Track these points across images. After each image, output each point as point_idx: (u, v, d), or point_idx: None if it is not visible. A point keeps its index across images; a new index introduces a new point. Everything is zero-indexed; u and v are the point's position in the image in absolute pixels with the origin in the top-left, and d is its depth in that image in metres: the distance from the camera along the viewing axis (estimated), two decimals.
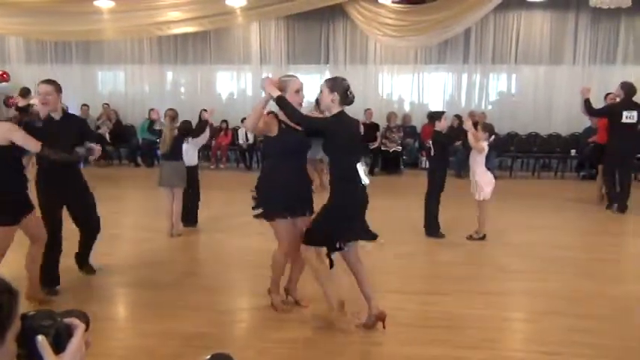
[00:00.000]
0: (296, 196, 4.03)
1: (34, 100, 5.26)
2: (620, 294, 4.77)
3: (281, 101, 3.83)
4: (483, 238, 6.39)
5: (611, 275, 5.33)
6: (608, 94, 9.14)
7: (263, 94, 3.96)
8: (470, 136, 6.29)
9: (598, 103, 8.68)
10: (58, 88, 4.52)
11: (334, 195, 3.80)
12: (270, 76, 4.23)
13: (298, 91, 4.02)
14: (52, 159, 4.19)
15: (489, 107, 12.74)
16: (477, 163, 6.36)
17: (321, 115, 4.38)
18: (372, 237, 3.95)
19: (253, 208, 4.14)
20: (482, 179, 6.32)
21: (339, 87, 3.77)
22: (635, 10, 11.44)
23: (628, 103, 7.99)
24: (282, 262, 4.23)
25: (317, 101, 7.58)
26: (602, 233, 7.11)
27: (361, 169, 3.83)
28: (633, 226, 7.50)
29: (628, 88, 8.04)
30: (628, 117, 7.87)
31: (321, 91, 3.83)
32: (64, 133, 4.44)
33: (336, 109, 3.79)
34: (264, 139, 4.19)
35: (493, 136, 6.62)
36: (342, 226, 3.80)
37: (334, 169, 3.87)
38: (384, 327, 3.86)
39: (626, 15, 11.70)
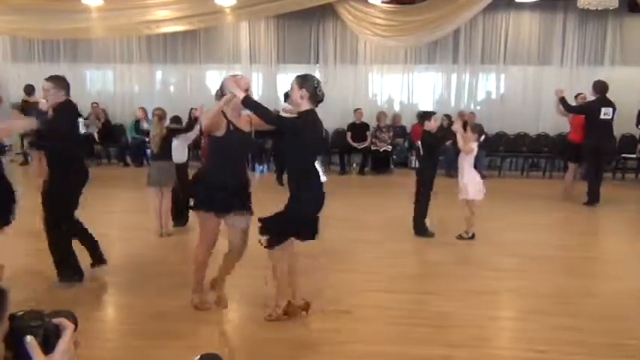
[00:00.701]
0: (232, 196, 3.99)
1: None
2: (607, 292, 4.82)
3: (249, 102, 3.79)
4: (473, 237, 6.43)
5: (598, 273, 5.39)
6: (578, 94, 9.33)
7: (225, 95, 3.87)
8: (459, 138, 6.33)
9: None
10: (60, 85, 4.62)
11: (298, 194, 3.82)
12: (239, 74, 4.16)
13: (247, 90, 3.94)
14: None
15: (478, 107, 12.81)
16: (466, 163, 6.40)
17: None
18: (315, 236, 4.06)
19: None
20: (471, 180, 6.37)
21: (308, 83, 3.78)
22: (623, 12, 11.55)
23: (604, 101, 8.22)
24: (203, 260, 4.22)
25: (286, 95, 7.63)
26: (590, 232, 7.19)
27: (319, 166, 3.90)
28: (621, 225, 7.59)
29: (602, 87, 8.25)
30: (605, 114, 8.12)
31: (291, 87, 3.84)
32: None
33: (305, 107, 3.79)
34: (210, 137, 4.11)
35: (483, 137, 6.67)
36: (303, 225, 3.91)
37: (296, 166, 3.87)
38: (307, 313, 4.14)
39: (613, 16, 11.80)
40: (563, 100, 8.38)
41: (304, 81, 3.79)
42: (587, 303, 4.57)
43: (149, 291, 4.75)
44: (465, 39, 12.53)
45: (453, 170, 11.24)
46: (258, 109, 3.82)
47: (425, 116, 6.69)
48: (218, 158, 4.04)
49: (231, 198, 3.98)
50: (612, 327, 4.11)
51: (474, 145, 6.31)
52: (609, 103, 8.32)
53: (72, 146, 4.70)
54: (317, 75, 13.61)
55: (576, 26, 12.13)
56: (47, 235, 4.67)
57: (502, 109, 12.68)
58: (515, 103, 12.55)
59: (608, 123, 8.34)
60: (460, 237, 6.43)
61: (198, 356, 1.65)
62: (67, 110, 4.69)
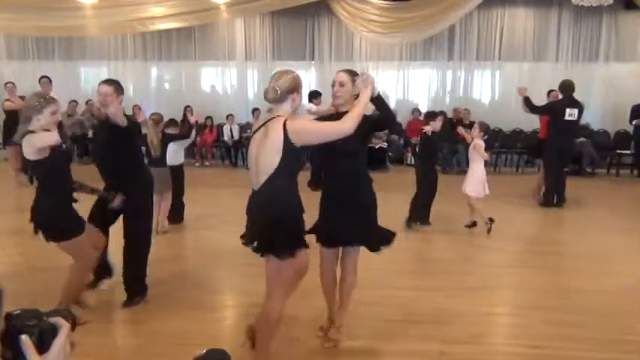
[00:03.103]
0: None
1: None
2: (605, 288, 4.83)
3: (381, 101, 3.47)
4: (474, 225, 6.56)
5: (595, 270, 5.40)
6: (551, 91, 9.25)
7: (361, 94, 3.29)
8: (479, 149, 6.39)
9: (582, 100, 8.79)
10: (120, 90, 4.19)
11: (369, 189, 3.61)
12: (366, 73, 3.53)
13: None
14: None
15: (474, 104, 12.82)
16: (472, 158, 6.54)
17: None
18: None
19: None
20: (470, 175, 6.49)
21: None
22: (617, 8, 11.59)
23: (570, 101, 8.12)
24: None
25: (311, 95, 7.48)
26: (586, 229, 7.20)
27: None
28: (616, 223, 7.60)
29: (568, 87, 8.17)
30: (570, 114, 8.02)
31: (341, 83, 3.48)
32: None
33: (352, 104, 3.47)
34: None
35: (486, 136, 6.76)
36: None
37: (363, 163, 3.64)
38: None
39: (607, 12, 11.83)
40: (527, 100, 8.16)
41: (356, 75, 3.50)
42: (585, 299, 4.58)
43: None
44: (460, 36, 12.55)
45: (448, 167, 11.30)
46: (388, 109, 3.54)
47: (432, 116, 6.75)
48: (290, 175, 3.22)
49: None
50: (610, 323, 4.12)
51: (482, 143, 6.43)
52: (575, 104, 8.14)
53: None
54: (312, 72, 13.67)
55: (571, 23, 12.17)
56: (139, 247, 4.38)
57: (497, 105, 12.72)
58: (510, 100, 12.57)
59: (573, 124, 8.19)
60: (488, 231, 6.41)
61: (204, 350, 1.63)
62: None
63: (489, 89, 13.07)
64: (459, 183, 6.80)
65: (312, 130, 3.11)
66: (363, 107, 3.17)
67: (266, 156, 3.00)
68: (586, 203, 8.42)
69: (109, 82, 4.24)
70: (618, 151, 11.64)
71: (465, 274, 5.21)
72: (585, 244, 6.46)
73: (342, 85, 3.49)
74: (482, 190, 6.44)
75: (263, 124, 3.11)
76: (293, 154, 2.98)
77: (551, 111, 8.27)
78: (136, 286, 4.37)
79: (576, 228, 7.35)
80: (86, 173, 4.86)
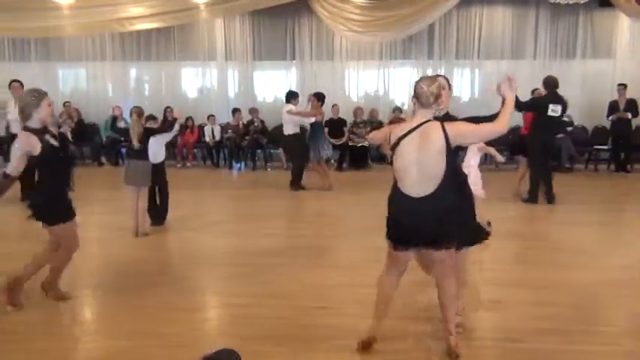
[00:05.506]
0: None
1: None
2: (581, 281, 4.91)
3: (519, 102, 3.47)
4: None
5: (572, 263, 5.48)
6: (535, 89, 9.34)
7: (507, 97, 3.48)
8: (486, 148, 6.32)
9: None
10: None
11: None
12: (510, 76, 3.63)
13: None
14: None
15: (454, 102, 12.90)
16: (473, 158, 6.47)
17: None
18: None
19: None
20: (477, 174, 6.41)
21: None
22: (593, 6, 11.78)
23: (554, 97, 8.22)
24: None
25: (288, 96, 7.36)
26: (563, 223, 7.30)
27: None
28: (594, 217, 7.73)
29: (551, 83, 8.27)
30: (553, 110, 8.11)
31: (439, 88, 3.31)
32: None
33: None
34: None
35: None
36: None
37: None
38: None
39: (584, 10, 12.02)
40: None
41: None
42: (562, 292, 4.65)
43: (127, 292, 4.70)
44: (440, 34, 12.65)
45: None
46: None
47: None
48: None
49: None
50: (588, 315, 4.19)
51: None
52: (559, 100, 8.22)
53: None
54: (293, 72, 13.65)
55: (548, 21, 12.34)
56: None
57: (477, 103, 12.82)
58: (489, 98, 12.68)
59: (556, 120, 8.26)
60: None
61: (214, 351, 1.62)
62: None
63: (469, 87, 13.18)
64: None
65: (472, 132, 3.30)
66: (511, 108, 3.42)
67: (430, 159, 3.15)
68: (564, 198, 8.52)
69: None
70: (596, 146, 11.82)
71: None
72: (563, 238, 6.56)
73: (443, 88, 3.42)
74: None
75: (413, 129, 3.22)
76: (452, 155, 3.20)
77: (535, 107, 8.36)
78: None
79: (554, 223, 7.45)
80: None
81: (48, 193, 4.15)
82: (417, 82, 3.27)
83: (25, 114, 3.98)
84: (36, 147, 3.96)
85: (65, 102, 12.95)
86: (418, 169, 3.19)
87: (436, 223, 3.24)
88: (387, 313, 3.63)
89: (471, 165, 6.33)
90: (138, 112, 6.58)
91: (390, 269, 3.61)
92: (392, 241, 3.47)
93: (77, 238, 4.36)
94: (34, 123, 3.99)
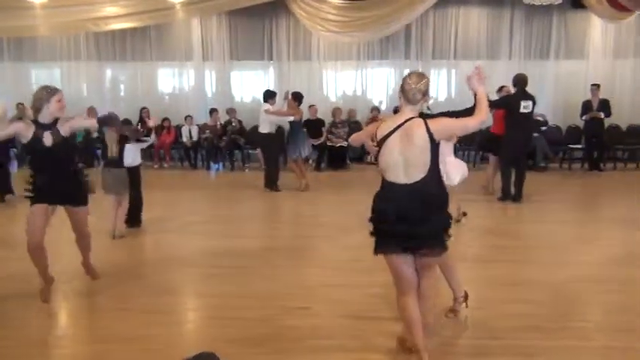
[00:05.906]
0: None
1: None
2: (557, 278, 4.99)
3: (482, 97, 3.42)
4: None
5: (547, 260, 5.56)
6: (502, 87, 9.44)
7: (478, 91, 3.39)
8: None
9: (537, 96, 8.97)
10: None
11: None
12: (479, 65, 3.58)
13: None
14: None
15: (431, 101, 13.00)
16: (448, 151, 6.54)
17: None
18: None
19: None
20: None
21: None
22: (566, 7, 11.97)
23: (524, 94, 8.35)
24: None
25: (266, 95, 7.29)
26: (538, 221, 7.41)
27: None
28: (568, 215, 7.86)
29: (520, 80, 8.40)
30: (525, 107, 8.25)
31: (428, 88, 3.32)
32: None
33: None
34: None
35: None
36: None
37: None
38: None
39: (557, 12, 12.21)
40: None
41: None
42: (538, 289, 4.72)
43: (104, 295, 4.65)
44: (417, 35, 12.74)
45: None
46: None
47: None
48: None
49: None
50: (564, 311, 4.27)
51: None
52: (529, 97, 8.34)
53: None
54: (271, 72, 13.58)
55: (523, 21, 12.52)
56: None
57: (454, 103, 12.93)
58: (466, 98, 12.81)
59: (528, 116, 8.39)
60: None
61: (193, 355, 1.60)
62: None
63: (446, 87, 13.30)
64: None
65: (455, 124, 3.32)
66: (485, 100, 3.38)
67: (415, 157, 3.15)
68: (539, 197, 8.65)
69: None
70: (570, 145, 12.03)
71: None
72: (538, 236, 6.65)
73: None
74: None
75: (398, 127, 3.20)
76: (436, 149, 3.18)
77: (506, 105, 8.46)
78: None
79: (530, 221, 7.54)
80: None
81: (34, 178, 4.45)
82: (405, 79, 3.26)
83: (36, 107, 4.32)
84: (27, 136, 4.29)
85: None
86: (405, 165, 3.18)
87: (426, 208, 3.17)
88: (421, 333, 3.35)
89: (447, 161, 6.38)
90: (117, 130, 6.29)
91: (401, 288, 3.44)
92: (379, 239, 3.34)
93: (35, 227, 4.37)
94: (44, 117, 4.31)
